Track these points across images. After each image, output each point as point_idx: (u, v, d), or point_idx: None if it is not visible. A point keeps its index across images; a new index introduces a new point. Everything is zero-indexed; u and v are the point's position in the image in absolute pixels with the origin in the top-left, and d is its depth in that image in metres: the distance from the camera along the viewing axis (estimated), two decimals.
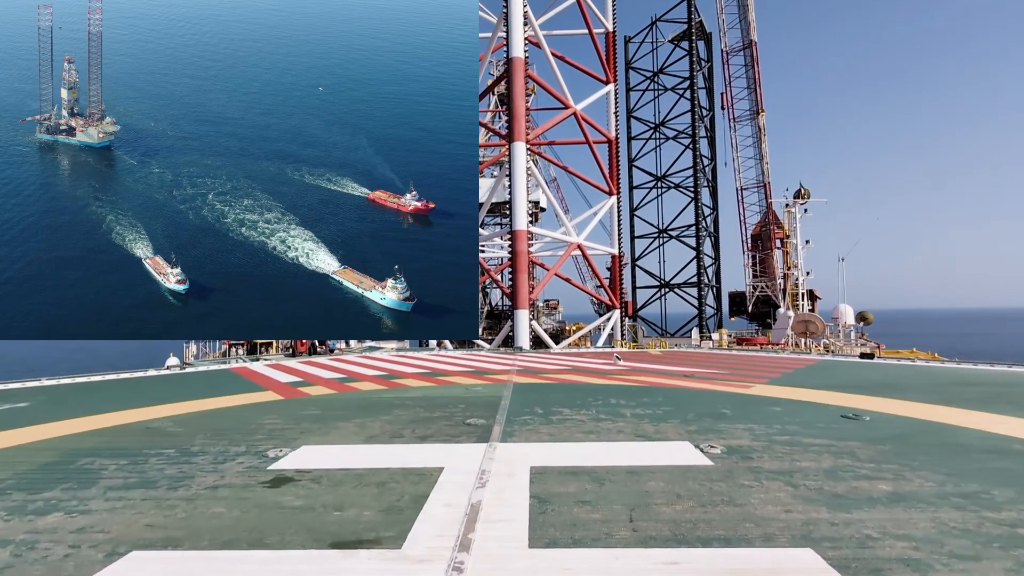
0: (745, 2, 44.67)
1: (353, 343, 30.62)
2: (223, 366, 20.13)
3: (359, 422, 9.94)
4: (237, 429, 9.36)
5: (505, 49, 31.58)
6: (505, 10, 31.37)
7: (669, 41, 55.17)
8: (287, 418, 10.64)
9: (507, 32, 31.16)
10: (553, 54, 36.52)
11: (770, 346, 31.14)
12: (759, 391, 12.88)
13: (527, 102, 37.11)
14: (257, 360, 21.55)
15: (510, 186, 30.92)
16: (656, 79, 55.59)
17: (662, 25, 55.36)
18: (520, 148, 30.70)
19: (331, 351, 23.15)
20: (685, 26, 53.02)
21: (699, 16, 53.05)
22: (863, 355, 18.64)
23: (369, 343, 28.86)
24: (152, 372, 18.43)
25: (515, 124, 30.78)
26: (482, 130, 53.28)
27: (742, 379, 14.82)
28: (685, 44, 53.16)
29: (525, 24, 31.46)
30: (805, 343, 34.58)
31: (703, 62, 54.63)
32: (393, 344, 36.27)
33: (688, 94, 52.18)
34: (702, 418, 9.64)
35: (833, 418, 9.40)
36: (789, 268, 36.59)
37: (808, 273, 36.46)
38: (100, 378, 17.32)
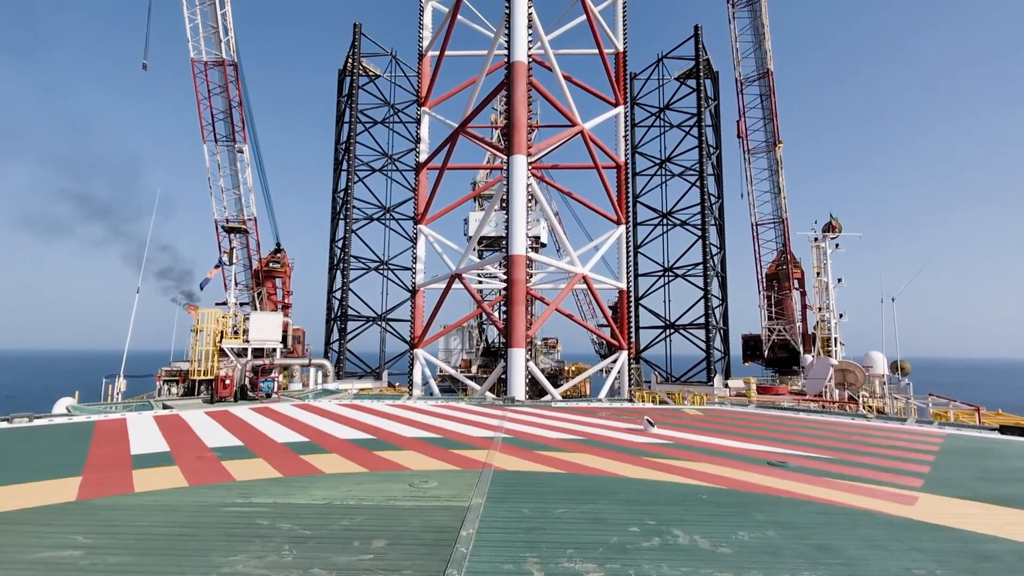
0: (761, 30, 39.87)
1: (315, 380, 24.11)
2: (104, 416, 13.67)
3: None
4: None
5: (505, 65, 26.27)
6: (507, 11, 26.14)
7: (676, 79, 50.52)
8: None
9: (508, 34, 25.88)
10: (564, 76, 31.24)
11: (825, 404, 24.52)
12: (944, 512, 6.47)
13: (530, 137, 31.74)
14: (164, 408, 15.07)
15: (507, 205, 25.01)
16: (662, 115, 50.65)
17: (668, 62, 50.84)
18: (520, 162, 24.93)
19: (267, 395, 16.80)
20: (692, 63, 48.40)
21: (706, 54, 48.50)
22: (1004, 428, 12.18)
23: (326, 385, 22.43)
24: None
25: (515, 135, 25.11)
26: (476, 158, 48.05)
27: (870, 474, 8.40)
28: (692, 82, 48.46)
29: (530, 29, 26.21)
30: (841, 396, 27.98)
31: (710, 100, 49.80)
32: (364, 385, 29.65)
33: (695, 131, 47.05)
34: None
35: None
36: (819, 310, 30.46)
37: (841, 315, 30.30)
38: None
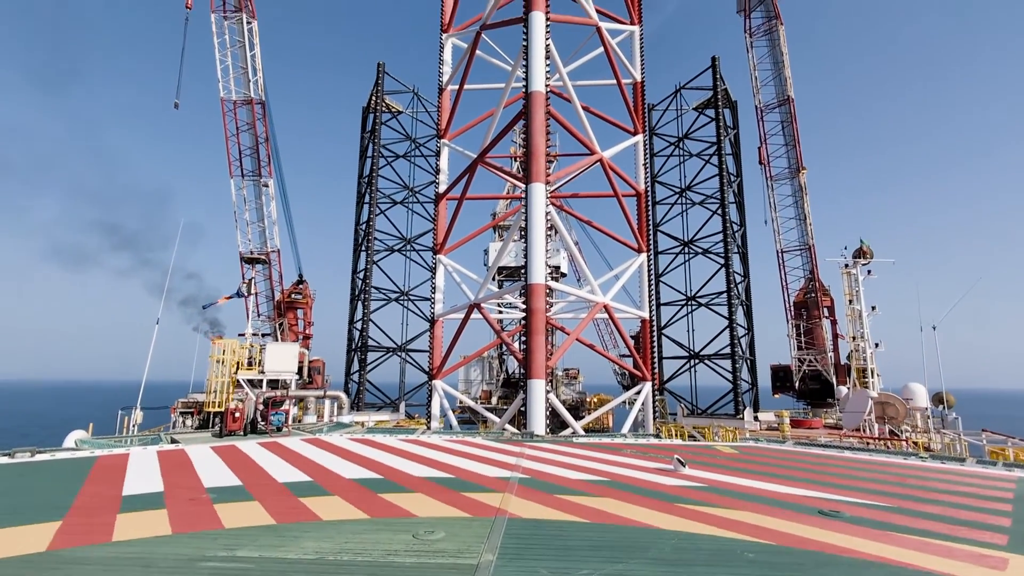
0: (780, 58, 39.35)
1: (330, 413, 23.31)
2: (108, 451, 13.08)
3: None
4: None
5: (524, 96, 26.16)
6: (525, 43, 26.13)
7: (694, 109, 50.14)
8: None
9: (527, 65, 25.79)
10: (583, 107, 31.01)
11: (867, 440, 22.76)
12: None
13: (548, 167, 31.34)
14: (172, 442, 14.46)
15: (526, 233, 24.42)
16: (681, 144, 50.13)
17: (686, 93, 50.59)
18: (539, 190, 24.45)
19: (277, 429, 16.06)
20: (710, 93, 48.03)
21: (724, 84, 48.13)
22: None
23: (340, 417, 21.62)
24: None
25: (533, 163, 24.70)
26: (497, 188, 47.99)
27: (941, 527, 7.20)
28: (710, 112, 48.02)
29: (548, 60, 26.10)
30: (880, 430, 26.11)
31: (729, 129, 49.19)
32: (381, 417, 28.80)
33: (715, 160, 46.32)
34: None
35: None
36: (853, 339, 28.81)
37: (877, 345, 28.54)
38: None
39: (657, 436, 16.88)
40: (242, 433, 15.50)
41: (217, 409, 19.29)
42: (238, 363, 20.55)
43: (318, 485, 9.39)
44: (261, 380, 20.81)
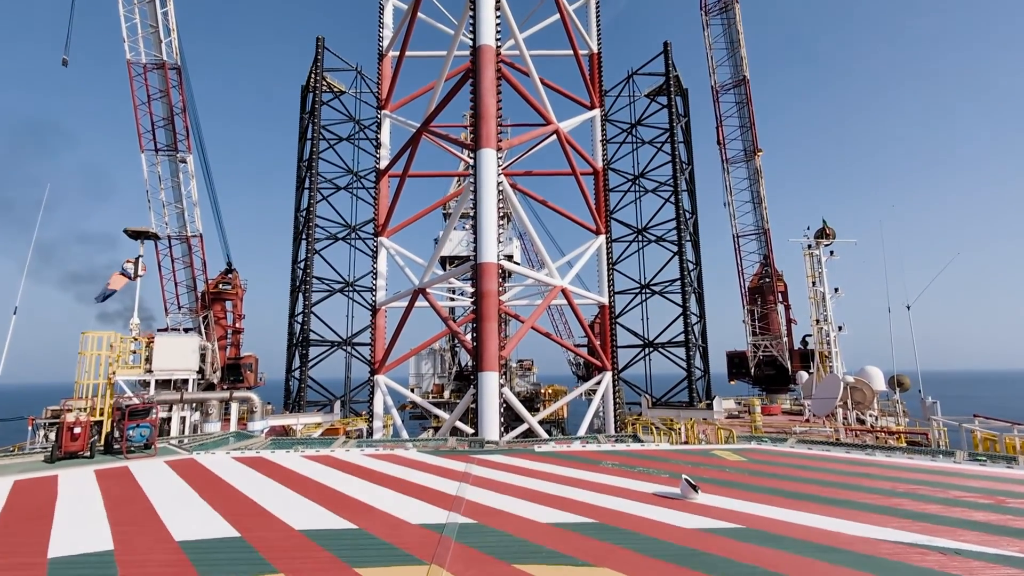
0: (736, 37, 37.07)
1: (237, 418, 18.62)
2: None
3: None
4: None
5: (471, 53, 22.22)
6: None
7: (646, 96, 47.60)
8: None
9: (474, 17, 21.91)
10: (540, 79, 27.37)
11: (839, 428, 20.28)
12: None
13: (499, 134, 27.57)
14: None
15: (474, 205, 20.62)
16: (634, 131, 47.48)
17: (638, 79, 47.98)
18: (489, 156, 20.67)
19: (146, 446, 11.58)
20: (662, 80, 45.54)
21: (675, 71, 45.75)
22: None
23: (251, 422, 17.19)
24: None
25: (483, 126, 20.89)
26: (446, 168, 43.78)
27: None
28: (662, 99, 45.56)
29: (498, 14, 22.27)
30: (845, 416, 23.97)
31: (681, 117, 46.95)
32: (314, 419, 24.30)
33: (668, 147, 43.90)
34: None
35: None
36: (816, 322, 26.72)
37: (840, 328, 26.55)
38: None
39: (635, 439, 13.49)
40: (87, 455, 10.99)
41: (95, 418, 14.41)
42: (118, 360, 15.77)
43: (111, 563, 5.27)
44: (148, 381, 16.10)
